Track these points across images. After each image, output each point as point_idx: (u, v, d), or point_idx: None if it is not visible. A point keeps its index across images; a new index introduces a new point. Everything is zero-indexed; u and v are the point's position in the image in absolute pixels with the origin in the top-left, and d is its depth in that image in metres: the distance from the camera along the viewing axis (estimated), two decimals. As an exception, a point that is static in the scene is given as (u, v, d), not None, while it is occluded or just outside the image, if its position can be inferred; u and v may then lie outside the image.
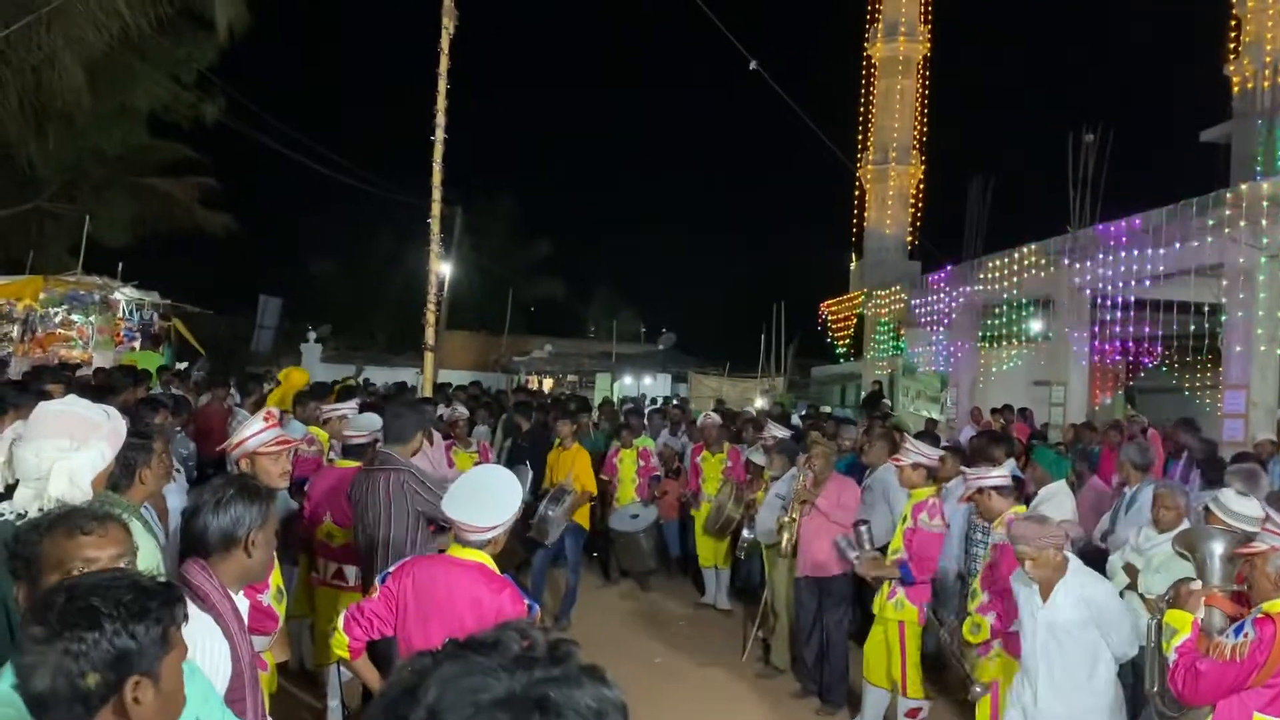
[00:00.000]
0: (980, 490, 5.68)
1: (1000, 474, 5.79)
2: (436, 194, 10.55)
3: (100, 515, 2.26)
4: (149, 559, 2.93)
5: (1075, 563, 4.62)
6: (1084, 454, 9.05)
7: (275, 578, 3.72)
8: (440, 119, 10.22)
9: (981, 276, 16.40)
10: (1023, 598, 4.74)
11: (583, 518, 9.11)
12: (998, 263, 15.83)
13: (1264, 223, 10.47)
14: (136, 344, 15.99)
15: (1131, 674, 6.05)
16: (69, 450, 2.69)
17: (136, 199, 22.63)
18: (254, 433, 4.15)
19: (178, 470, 5.85)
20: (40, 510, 2.53)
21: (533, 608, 3.50)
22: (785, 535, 7.15)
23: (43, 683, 1.67)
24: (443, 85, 10.21)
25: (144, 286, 16.73)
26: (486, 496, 3.52)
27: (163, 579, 1.93)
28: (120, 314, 15.95)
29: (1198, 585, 3.95)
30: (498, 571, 3.56)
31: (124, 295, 15.96)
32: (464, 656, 1.08)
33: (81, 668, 1.66)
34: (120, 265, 16.55)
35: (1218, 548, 4.05)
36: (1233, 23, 20.98)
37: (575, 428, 9.59)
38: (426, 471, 5.16)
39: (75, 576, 1.87)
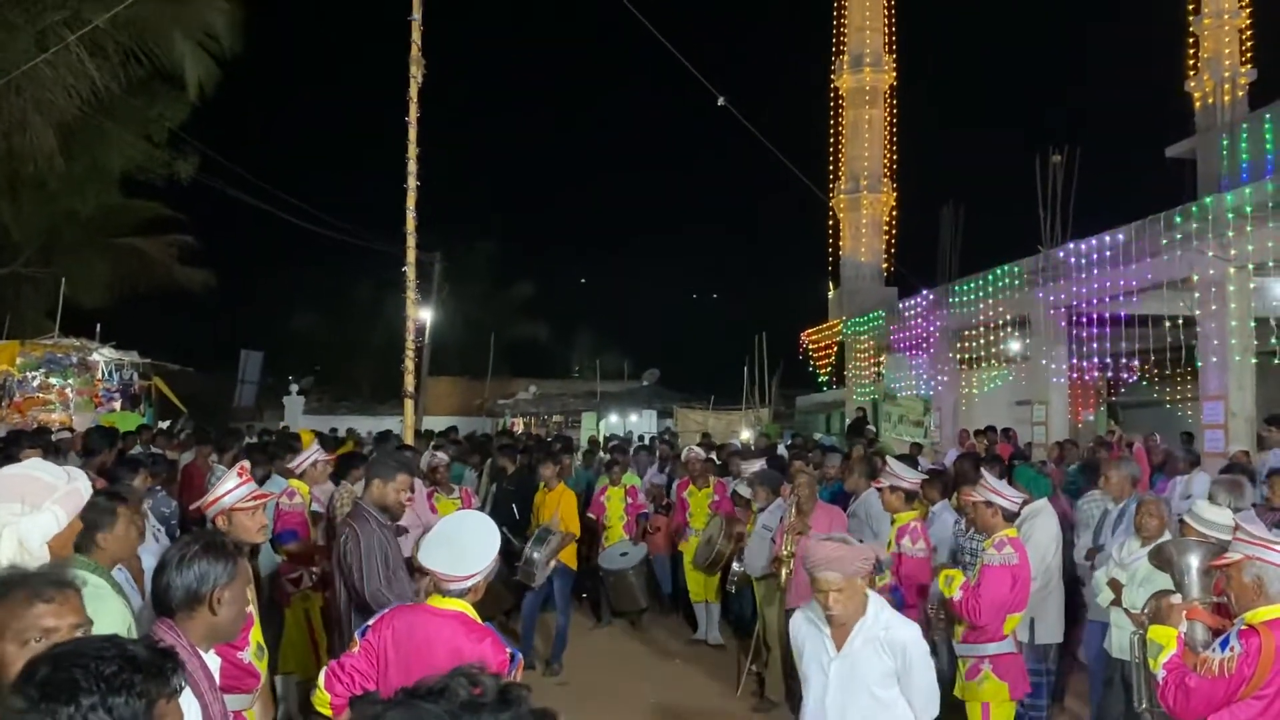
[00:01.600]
0: (989, 504, 5.50)
1: (1015, 496, 5.65)
2: (411, 240, 10.54)
3: (61, 581, 2.21)
4: (119, 623, 2.89)
5: (877, 599, 3.83)
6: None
7: (255, 634, 3.68)
8: (412, 167, 10.24)
9: (957, 300, 16.51)
10: (809, 644, 3.92)
11: (569, 559, 9.04)
12: (973, 285, 15.96)
13: (1230, 234, 10.60)
14: (117, 404, 15.92)
15: (1123, 690, 6.05)
16: (19, 514, 2.65)
17: (113, 259, 22.59)
18: (228, 490, 4.11)
19: (158, 529, 5.81)
20: None
21: (515, 656, 3.45)
22: (785, 570, 7.10)
23: None
24: (413, 134, 10.24)
25: (123, 346, 16.68)
26: (462, 545, 3.47)
27: (162, 646, 1.88)
28: (99, 375, 15.88)
29: (1177, 599, 3.93)
30: (479, 620, 3.52)
31: (102, 356, 15.90)
32: (412, 704, 1.08)
33: None
34: (98, 326, 16.53)
35: (1194, 560, 4.03)
36: (1190, 40, 21.36)
37: (559, 469, 9.55)
38: (385, 531, 5.03)
39: (65, 643, 1.81)
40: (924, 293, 18.73)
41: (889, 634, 3.71)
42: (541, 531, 8.23)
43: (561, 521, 8.76)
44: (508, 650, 3.44)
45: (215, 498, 4.07)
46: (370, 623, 3.56)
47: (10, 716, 1.65)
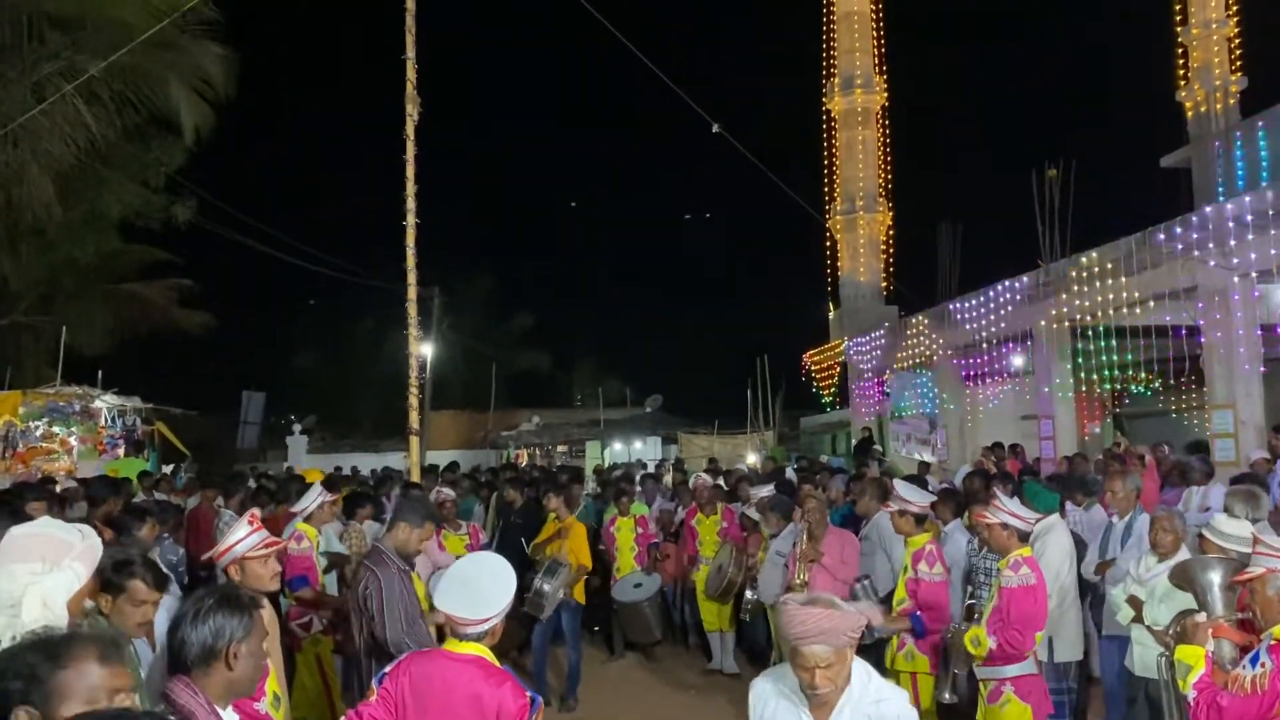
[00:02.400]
0: (1004, 525, 5.39)
1: (1030, 516, 5.55)
2: (411, 277, 10.59)
3: (118, 642, 2.17)
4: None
5: (862, 666, 3.26)
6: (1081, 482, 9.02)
7: (272, 683, 3.62)
8: (410, 203, 10.30)
9: (959, 317, 16.50)
10: None
11: (578, 593, 8.95)
12: (974, 302, 15.95)
13: (1232, 243, 10.59)
14: (120, 451, 15.87)
15: (1148, 709, 5.98)
16: (41, 573, 2.62)
17: (113, 305, 22.61)
18: (240, 538, 4.03)
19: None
20: (14, 639, 2.43)
21: (535, 700, 3.39)
22: None
23: None
24: (411, 170, 10.30)
25: (125, 392, 16.66)
26: (480, 587, 3.41)
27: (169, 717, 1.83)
28: (102, 422, 15.86)
29: (1202, 617, 3.87)
30: (497, 663, 3.46)
31: (105, 403, 15.88)
32: None
33: None
34: (100, 373, 16.52)
35: (1215, 577, 3.98)
36: (1180, 50, 21.48)
37: (566, 499, 9.48)
38: (405, 579, 4.98)
39: (79, 716, 1.76)
40: (925, 310, 18.73)
41: (880, 708, 3.19)
42: (551, 564, 8.16)
43: (572, 554, 8.68)
44: (528, 694, 3.39)
45: (227, 547, 4.01)
46: (387, 670, 3.49)
47: None
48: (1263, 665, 3.45)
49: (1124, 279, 11.91)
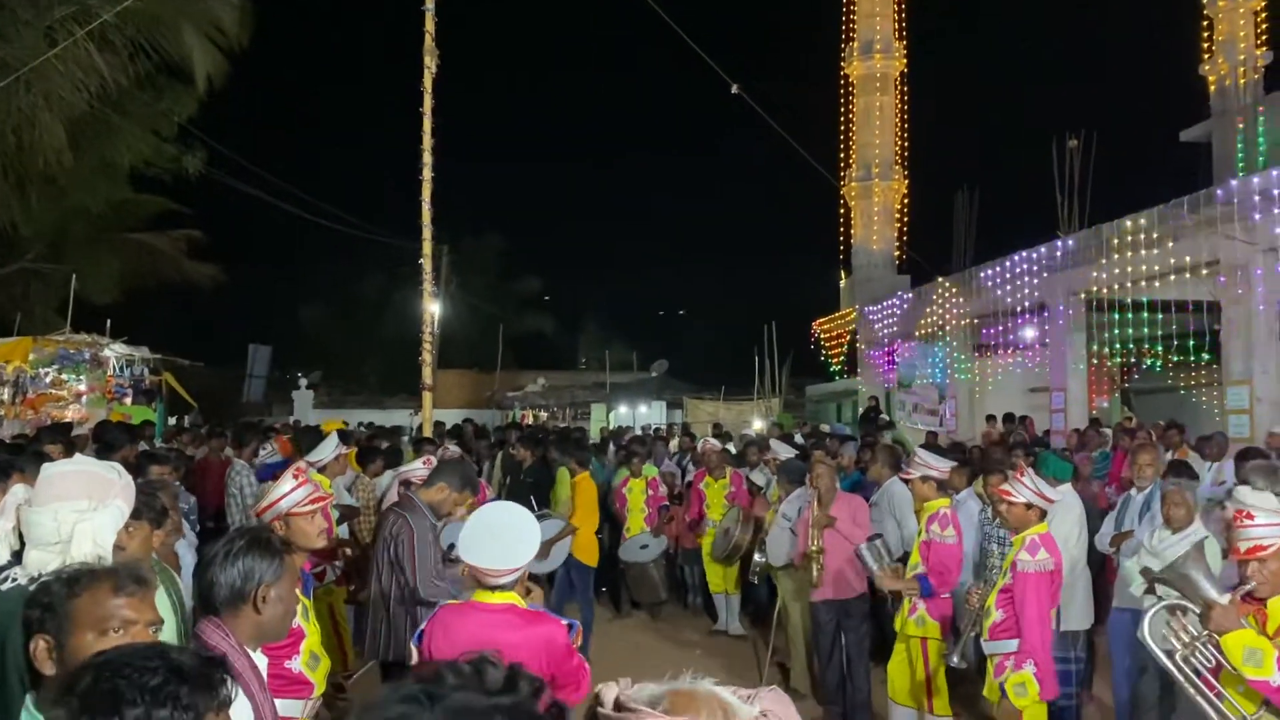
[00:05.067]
0: (1029, 505, 5.31)
1: (1053, 494, 5.48)
2: (427, 232, 10.50)
3: (141, 577, 2.18)
4: (166, 620, 2.83)
5: None
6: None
7: (312, 643, 3.58)
8: (427, 158, 10.18)
9: (974, 287, 16.40)
10: None
11: (589, 555, 8.94)
12: (990, 272, 15.83)
13: (1257, 217, 10.47)
14: (129, 400, 15.87)
15: (1158, 678, 5.98)
16: (88, 511, 2.61)
17: (122, 254, 22.54)
18: (285, 493, 3.87)
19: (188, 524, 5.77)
20: None
21: (573, 626, 3.41)
22: (815, 567, 7.02)
23: None
24: (428, 124, 10.18)
25: (133, 341, 16.62)
26: (507, 538, 3.36)
27: (211, 655, 1.81)
28: (111, 371, 15.83)
29: (1226, 599, 3.82)
30: (527, 607, 3.45)
31: (114, 352, 15.85)
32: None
33: None
34: (109, 322, 16.47)
35: (1193, 569, 3.99)
36: (1205, 23, 21.17)
37: (577, 460, 9.49)
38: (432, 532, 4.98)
39: (106, 652, 1.75)
40: (940, 280, 18.60)
41: None
42: (539, 515, 8.18)
43: (578, 509, 8.69)
44: (564, 622, 3.41)
45: (272, 502, 3.87)
46: (423, 626, 3.47)
47: None
48: None
49: (1144, 251, 11.81)
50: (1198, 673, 3.81)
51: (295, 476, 3.95)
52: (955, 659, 5.86)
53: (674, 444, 14.44)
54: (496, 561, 3.33)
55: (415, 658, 3.38)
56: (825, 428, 17.96)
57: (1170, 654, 3.90)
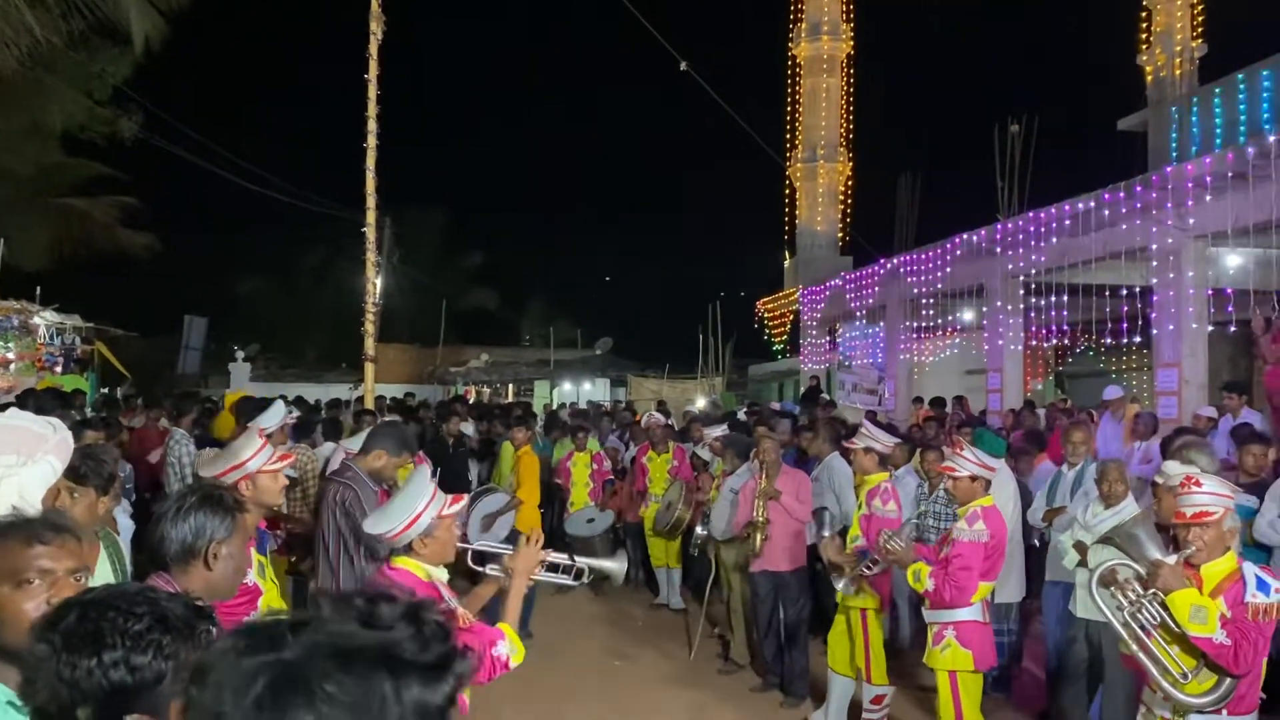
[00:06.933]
0: (974, 478, 5.43)
1: (994, 464, 5.62)
2: (371, 201, 10.36)
3: (58, 525, 2.13)
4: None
5: None
6: (1032, 435, 9.23)
7: (270, 598, 3.60)
8: (371, 125, 10.05)
9: (914, 269, 16.63)
10: None
11: (531, 526, 8.96)
12: (930, 254, 16.06)
13: (1189, 204, 10.75)
14: (59, 368, 15.49)
15: (1087, 648, 6.16)
16: (16, 465, 2.55)
17: (53, 220, 21.85)
18: (253, 453, 3.89)
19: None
20: None
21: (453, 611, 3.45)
22: (759, 535, 7.13)
23: (40, 701, 1.56)
24: (373, 91, 10.05)
25: (65, 309, 16.20)
26: (390, 502, 3.48)
27: (200, 604, 1.79)
28: (41, 338, 15.43)
29: (1173, 559, 3.96)
30: (424, 575, 3.43)
31: (44, 319, 15.44)
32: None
33: (73, 697, 1.54)
34: (39, 289, 16.01)
35: (1143, 528, 4.15)
36: (1143, 14, 21.59)
37: (529, 433, 9.51)
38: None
39: (95, 590, 1.73)
40: (880, 261, 18.83)
41: None
42: (482, 490, 8.18)
43: (520, 484, 8.70)
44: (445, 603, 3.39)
45: (239, 463, 3.84)
46: None
47: (31, 662, 1.57)
48: (1277, 591, 3.72)
49: (1081, 236, 12.07)
50: (1144, 629, 3.95)
51: (259, 436, 3.98)
52: (841, 585, 6.08)
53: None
54: (374, 526, 3.46)
55: None
56: (776, 405, 18.14)
57: (1119, 610, 4.03)
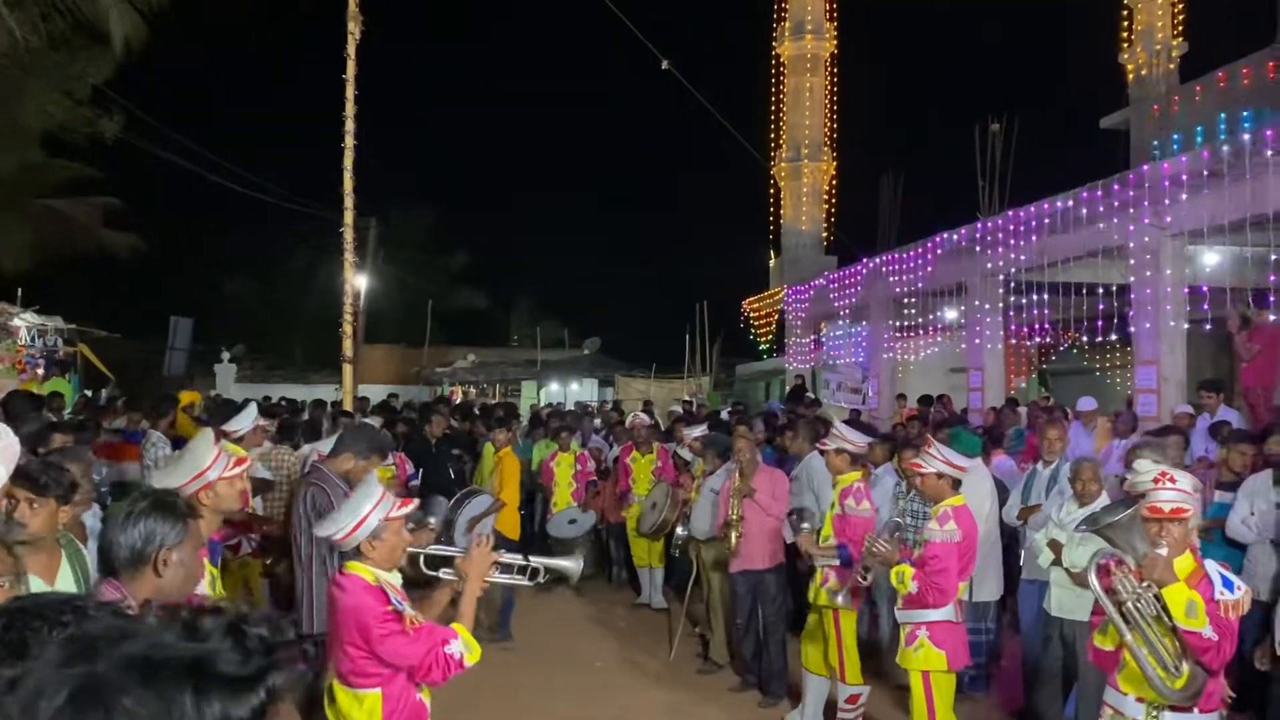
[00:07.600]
0: (940, 475, 5.44)
1: (965, 462, 5.61)
2: (349, 200, 10.35)
3: None
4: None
5: None
6: (988, 432, 9.28)
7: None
8: (350, 125, 10.04)
9: (896, 268, 16.66)
10: None
11: (511, 528, 8.93)
12: (913, 254, 16.10)
13: (1166, 202, 10.79)
14: (40, 371, 15.39)
15: (1062, 647, 6.18)
16: None
17: (34, 221, 21.70)
18: (211, 462, 3.74)
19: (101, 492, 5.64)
20: None
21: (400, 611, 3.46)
22: (734, 533, 7.12)
23: None
24: (350, 91, 10.02)
25: (46, 311, 16.09)
26: (340, 505, 3.56)
27: (127, 612, 1.78)
28: (22, 341, 15.33)
29: (1163, 553, 3.94)
30: (371, 579, 3.45)
31: (24, 321, 15.34)
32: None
33: (8, 712, 1.53)
34: (20, 291, 15.92)
35: (1135, 522, 4.15)
36: (1124, 13, 21.68)
37: (510, 435, 9.48)
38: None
39: (22, 598, 1.72)
40: (863, 260, 18.86)
41: None
42: (467, 492, 8.14)
43: (501, 486, 8.67)
44: (389, 607, 3.41)
45: (199, 472, 3.66)
46: None
47: None
48: (1239, 588, 3.80)
49: (1060, 235, 12.11)
50: (1145, 620, 3.94)
51: (216, 443, 3.91)
52: (841, 598, 6.04)
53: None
54: (322, 530, 3.54)
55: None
56: (768, 404, 18.19)
57: (1119, 603, 4.00)
